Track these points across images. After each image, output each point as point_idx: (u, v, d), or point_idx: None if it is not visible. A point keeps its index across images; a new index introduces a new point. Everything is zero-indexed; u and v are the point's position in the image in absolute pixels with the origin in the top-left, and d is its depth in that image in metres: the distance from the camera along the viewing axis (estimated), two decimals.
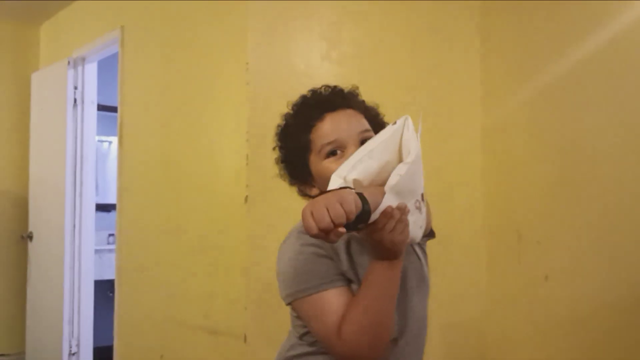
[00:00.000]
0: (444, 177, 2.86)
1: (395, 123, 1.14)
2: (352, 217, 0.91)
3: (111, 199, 4.28)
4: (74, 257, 4.00)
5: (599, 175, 2.42)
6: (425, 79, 2.88)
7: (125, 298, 3.46)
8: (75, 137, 4.06)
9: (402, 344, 1.24)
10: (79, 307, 3.98)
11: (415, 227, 1.13)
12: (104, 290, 4.44)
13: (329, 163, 1.20)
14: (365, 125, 1.25)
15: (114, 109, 3.76)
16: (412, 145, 1.09)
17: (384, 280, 1.11)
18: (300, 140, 1.24)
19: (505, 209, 2.83)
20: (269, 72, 2.61)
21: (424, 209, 1.15)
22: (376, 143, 1.11)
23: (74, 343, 3.95)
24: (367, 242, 1.10)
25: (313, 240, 1.17)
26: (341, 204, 0.90)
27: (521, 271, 2.73)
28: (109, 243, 4.87)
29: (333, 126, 1.22)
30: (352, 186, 1.04)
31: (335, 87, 1.31)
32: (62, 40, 4.37)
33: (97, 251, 4.26)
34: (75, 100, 4.06)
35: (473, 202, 2.92)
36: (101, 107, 4.29)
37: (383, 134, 1.12)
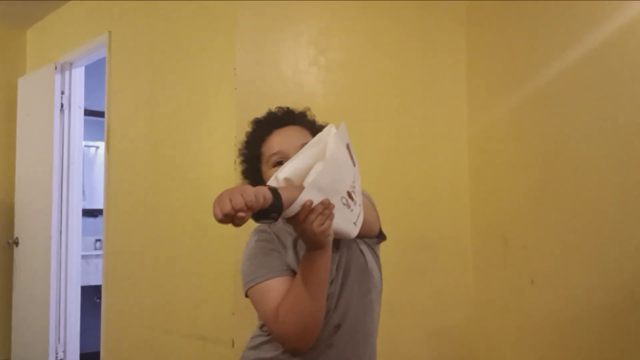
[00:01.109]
0: (431, 182, 2.87)
1: (321, 132, 1.29)
2: (253, 205, 1.06)
3: (98, 204, 4.26)
4: (60, 263, 3.97)
5: (583, 181, 2.44)
6: (412, 86, 2.90)
7: (112, 304, 3.44)
8: (62, 142, 4.04)
9: (345, 329, 1.38)
10: (65, 313, 3.95)
11: (346, 222, 1.25)
12: (91, 296, 4.41)
13: (274, 171, 1.31)
14: (308, 138, 1.39)
15: (101, 114, 3.75)
16: (330, 147, 1.22)
17: (312, 267, 1.25)
18: (253, 152, 1.45)
19: (491, 214, 2.85)
20: (257, 77, 2.61)
21: (356, 207, 1.27)
22: (305, 148, 1.26)
23: (60, 349, 3.92)
24: (296, 233, 1.25)
25: (265, 237, 1.40)
26: (241, 194, 1.05)
27: (507, 275, 2.75)
28: (95, 249, 4.84)
29: (279, 139, 1.42)
30: (283, 184, 1.20)
31: (287, 108, 1.51)
32: (49, 45, 4.35)
33: (83, 257, 4.23)
34: (62, 105, 4.04)
35: (460, 208, 2.93)
36: (88, 112, 4.28)
37: (312, 141, 1.27)
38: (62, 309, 3.95)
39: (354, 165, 1.29)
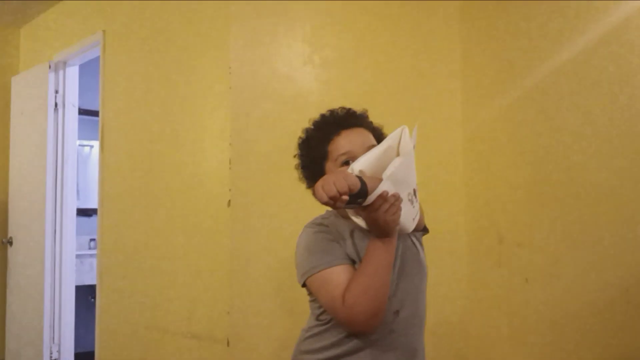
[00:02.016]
0: (426, 181, 2.87)
1: (393, 133, 1.40)
2: (354, 188, 1.22)
3: (92, 204, 4.25)
4: (54, 262, 3.96)
5: (578, 179, 2.45)
6: (406, 84, 2.90)
7: (106, 303, 3.44)
8: (56, 141, 4.02)
9: (404, 315, 1.47)
10: (59, 313, 3.94)
11: (408, 217, 1.37)
12: (85, 295, 4.40)
13: (343, 169, 1.43)
14: (373, 141, 1.51)
15: (95, 113, 3.74)
16: (407, 146, 1.35)
17: (379, 254, 1.35)
18: (320, 150, 1.51)
19: (486, 212, 2.86)
20: (252, 76, 2.61)
21: (416, 204, 1.41)
22: (378, 146, 1.38)
23: (54, 349, 3.91)
24: (366, 221, 1.35)
25: (324, 229, 1.47)
26: (344, 179, 1.21)
27: (502, 274, 2.76)
28: (90, 248, 4.83)
29: (347, 140, 1.49)
30: (358, 175, 1.31)
31: (349, 109, 1.60)
32: (43, 44, 4.34)
33: (78, 256, 4.22)
34: (56, 104, 4.03)
35: (454, 206, 2.94)
36: (82, 111, 4.26)
37: (384, 141, 1.39)
38: (57, 308, 3.94)
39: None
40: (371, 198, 1.27)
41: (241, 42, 2.61)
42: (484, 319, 2.85)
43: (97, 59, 3.66)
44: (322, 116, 1.59)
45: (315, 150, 1.52)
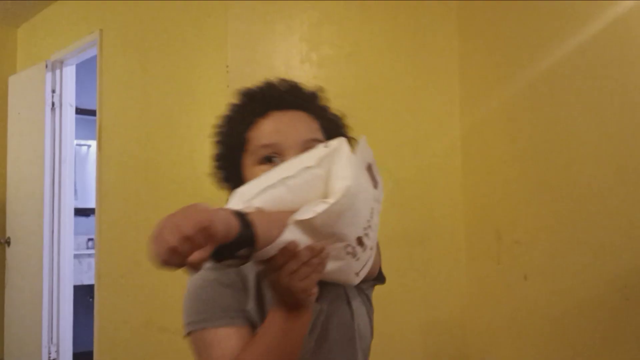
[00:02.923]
0: (424, 177, 2.88)
1: (327, 146, 0.92)
2: (220, 234, 0.69)
3: (90, 203, 4.25)
4: (52, 262, 3.95)
5: (577, 176, 2.45)
6: (404, 81, 2.90)
7: (105, 303, 3.43)
8: (54, 141, 4.02)
9: None
10: (58, 313, 3.94)
11: (347, 273, 0.93)
12: (84, 295, 4.40)
13: (260, 170, 0.98)
14: (316, 133, 1.05)
15: (92, 113, 3.73)
16: (340, 182, 0.85)
17: (278, 332, 0.91)
18: (236, 136, 1.07)
19: (484, 209, 2.86)
20: (249, 74, 2.61)
21: (364, 255, 0.93)
22: (298, 168, 0.87)
23: (53, 349, 3.91)
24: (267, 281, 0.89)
25: (218, 266, 0.88)
26: (196, 215, 0.67)
27: (500, 271, 2.75)
28: (88, 247, 4.82)
29: (274, 127, 1.04)
30: (255, 210, 0.83)
31: (293, 83, 1.12)
32: (40, 43, 4.33)
33: (76, 256, 4.22)
34: (53, 104, 4.02)
35: (453, 203, 2.94)
36: (79, 111, 4.26)
37: (311, 156, 0.90)
38: (55, 308, 3.94)
39: (376, 187, 0.98)
40: (266, 252, 0.80)
41: (238, 41, 2.61)
42: (482, 317, 2.85)
43: (94, 59, 3.66)
44: (251, 89, 1.12)
45: (231, 136, 1.08)
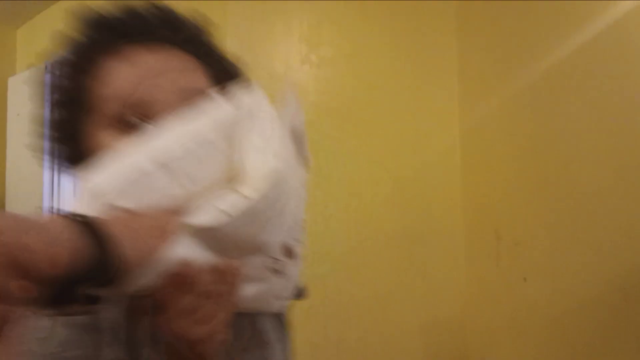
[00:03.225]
0: (423, 177, 2.87)
1: (233, 103, 0.60)
2: (43, 275, 0.38)
3: None
4: None
5: (577, 176, 2.45)
6: (403, 81, 2.90)
7: None
8: None
9: None
10: None
11: (269, 297, 0.63)
12: None
13: (114, 141, 0.64)
14: (199, 82, 0.69)
15: None
16: (261, 161, 0.56)
17: None
18: (73, 89, 0.69)
19: (483, 209, 2.85)
20: (249, 76, 2.60)
21: (293, 269, 0.64)
22: (186, 140, 0.55)
23: None
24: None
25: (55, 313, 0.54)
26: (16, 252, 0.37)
27: (500, 272, 2.75)
28: None
29: (136, 72, 0.66)
30: (118, 213, 0.52)
31: (167, 8, 0.74)
32: (39, 45, 4.32)
33: None
34: None
35: (452, 203, 2.93)
36: None
37: (206, 119, 0.58)
38: None
39: (305, 166, 0.67)
40: (142, 283, 0.49)
41: (237, 42, 2.60)
42: (482, 317, 2.84)
43: None
44: (95, 14, 0.70)
45: (67, 89, 0.71)
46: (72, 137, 0.70)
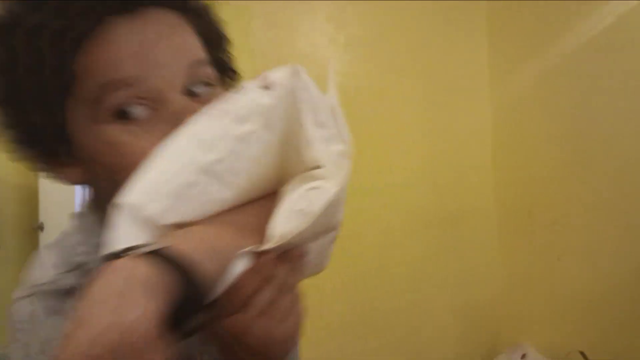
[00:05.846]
0: (455, 158, 2.84)
1: (268, 85, 0.55)
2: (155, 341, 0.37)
3: None
4: None
5: (612, 154, 2.38)
6: (433, 60, 2.84)
7: None
8: None
9: None
10: None
11: (323, 262, 0.58)
12: None
13: (117, 134, 0.54)
14: (200, 51, 0.59)
15: None
16: (328, 151, 0.51)
17: None
18: (52, 70, 0.53)
19: (516, 189, 2.81)
20: (275, 57, 2.58)
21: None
22: (225, 132, 0.50)
23: None
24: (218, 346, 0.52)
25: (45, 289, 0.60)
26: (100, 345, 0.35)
27: (533, 251, 2.71)
28: None
29: (133, 46, 0.53)
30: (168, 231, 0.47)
31: None
32: None
33: None
34: None
35: (484, 183, 2.90)
36: None
37: (242, 105, 0.51)
38: None
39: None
40: (217, 291, 0.45)
41: (263, 22, 2.57)
42: (515, 298, 2.81)
43: None
44: None
45: (36, 71, 0.54)
46: (50, 126, 0.57)
